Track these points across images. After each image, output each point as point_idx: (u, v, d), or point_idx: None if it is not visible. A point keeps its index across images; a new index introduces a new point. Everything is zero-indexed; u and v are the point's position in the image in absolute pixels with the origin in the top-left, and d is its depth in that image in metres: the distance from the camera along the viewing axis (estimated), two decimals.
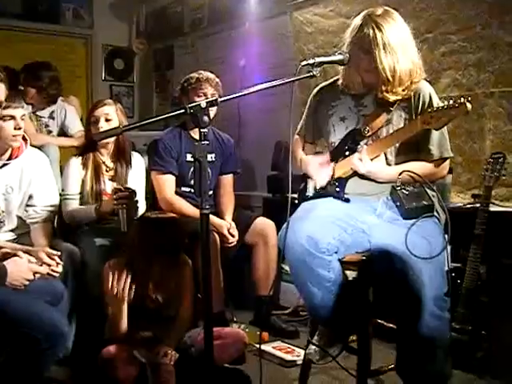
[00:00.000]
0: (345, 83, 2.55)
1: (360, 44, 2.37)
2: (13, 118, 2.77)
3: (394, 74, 2.35)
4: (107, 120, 3.36)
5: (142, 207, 3.44)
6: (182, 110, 1.86)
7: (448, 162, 2.51)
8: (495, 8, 3.40)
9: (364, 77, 2.46)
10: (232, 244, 3.59)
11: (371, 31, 2.33)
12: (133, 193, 3.20)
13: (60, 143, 4.29)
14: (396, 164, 2.48)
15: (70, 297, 2.71)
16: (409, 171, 2.40)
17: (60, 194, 3.29)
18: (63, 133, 4.54)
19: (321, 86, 2.73)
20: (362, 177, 2.49)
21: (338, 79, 2.61)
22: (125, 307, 2.73)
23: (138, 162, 3.59)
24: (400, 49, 2.36)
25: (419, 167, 2.44)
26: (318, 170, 2.61)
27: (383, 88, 2.40)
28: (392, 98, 2.41)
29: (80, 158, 3.42)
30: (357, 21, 2.42)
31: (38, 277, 2.39)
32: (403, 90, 2.40)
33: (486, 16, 3.45)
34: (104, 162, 3.43)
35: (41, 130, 4.45)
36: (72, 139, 4.41)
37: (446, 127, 2.36)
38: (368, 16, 2.38)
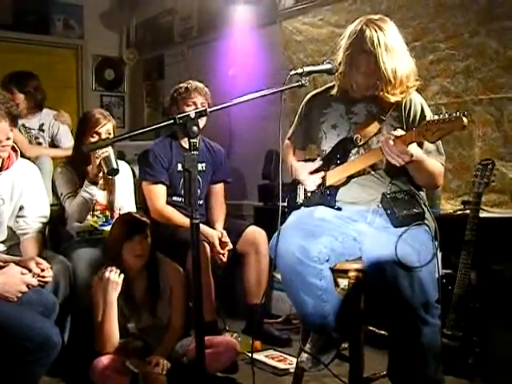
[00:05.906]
0: (342, 87, 2.56)
1: (361, 46, 2.41)
2: None
3: (395, 75, 2.39)
4: (109, 134, 3.35)
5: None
6: (171, 121, 1.87)
7: (443, 168, 2.50)
8: (483, 16, 3.42)
9: (362, 80, 2.48)
10: (225, 253, 3.56)
11: (374, 32, 2.38)
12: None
13: (54, 154, 4.31)
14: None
15: (62, 307, 2.70)
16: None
17: (61, 196, 3.34)
18: (54, 146, 4.56)
19: (313, 93, 2.74)
20: (368, 176, 2.46)
21: (330, 87, 2.63)
22: (114, 313, 2.73)
23: (124, 168, 3.58)
24: (399, 51, 2.42)
25: (436, 163, 2.42)
26: (308, 176, 2.62)
27: (384, 89, 2.42)
28: (393, 98, 2.43)
29: (69, 168, 3.39)
30: (355, 25, 2.46)
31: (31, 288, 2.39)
32: (401, 93, 2.44)
33: (473, 24, 3.47)
34: (94, 173, 3.40)
35: (30, 142, 4.46)
36: (67, 150, 4.39)
37: None
38: (367, 20, 2.43)
